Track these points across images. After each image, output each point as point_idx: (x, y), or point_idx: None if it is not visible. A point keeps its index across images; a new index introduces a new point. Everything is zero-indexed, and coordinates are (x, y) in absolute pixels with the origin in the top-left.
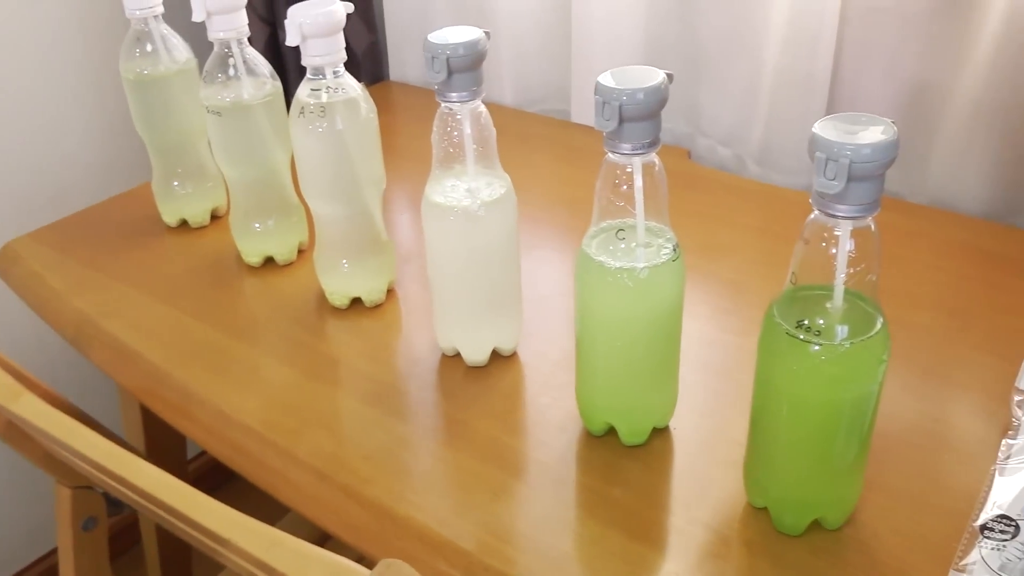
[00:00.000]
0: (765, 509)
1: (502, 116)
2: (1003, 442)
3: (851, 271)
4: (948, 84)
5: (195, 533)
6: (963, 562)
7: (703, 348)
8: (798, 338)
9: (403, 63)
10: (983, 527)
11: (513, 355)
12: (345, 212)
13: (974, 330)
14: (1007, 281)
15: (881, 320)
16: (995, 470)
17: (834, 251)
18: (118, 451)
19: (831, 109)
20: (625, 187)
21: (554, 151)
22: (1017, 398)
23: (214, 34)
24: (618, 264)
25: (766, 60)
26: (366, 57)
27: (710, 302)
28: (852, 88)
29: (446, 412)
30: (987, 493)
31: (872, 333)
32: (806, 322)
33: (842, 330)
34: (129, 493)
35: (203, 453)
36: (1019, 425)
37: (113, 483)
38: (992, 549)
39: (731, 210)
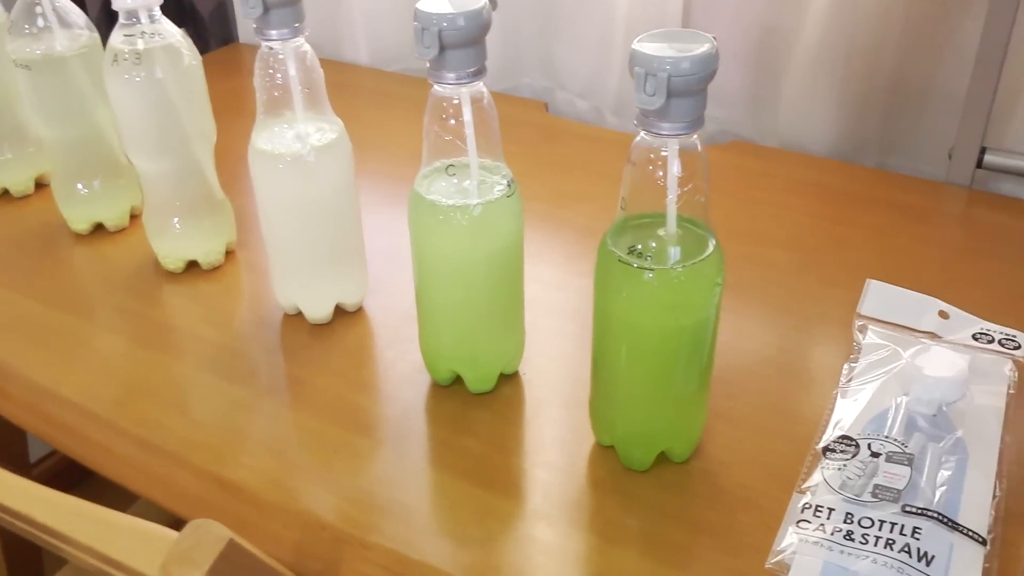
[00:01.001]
0: (612, 447)
1: (358, 75)
2: (845, 366)
3: (680, 191)
4: (793, 29)
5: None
6: (806, 484)
7: (553, 293)
8: (631, 265)
9: (251, 24)
10: (825, 449)
11: (359, 311)
12: (172, 168)
13: (820, 264)
14: (850, 215)
15: (713, 242)
16: (837, 393)
17: (662, 172)
18: None
19: None
20: (453, 121)
21: (408, 108)
22: (858, 323)
23: None
24: (450, 202)
25: (618, 9)
26: (213, 19)
27: (562, 248)
28: None
29: (287, 372)
30: (829, 416)
31: (704, 255)
32: (639, 247)
33: (674, 254)
34: None
35: (54, 451)
36: (860, 349)
37: None
38: (834, 470)
39: (588, 159)
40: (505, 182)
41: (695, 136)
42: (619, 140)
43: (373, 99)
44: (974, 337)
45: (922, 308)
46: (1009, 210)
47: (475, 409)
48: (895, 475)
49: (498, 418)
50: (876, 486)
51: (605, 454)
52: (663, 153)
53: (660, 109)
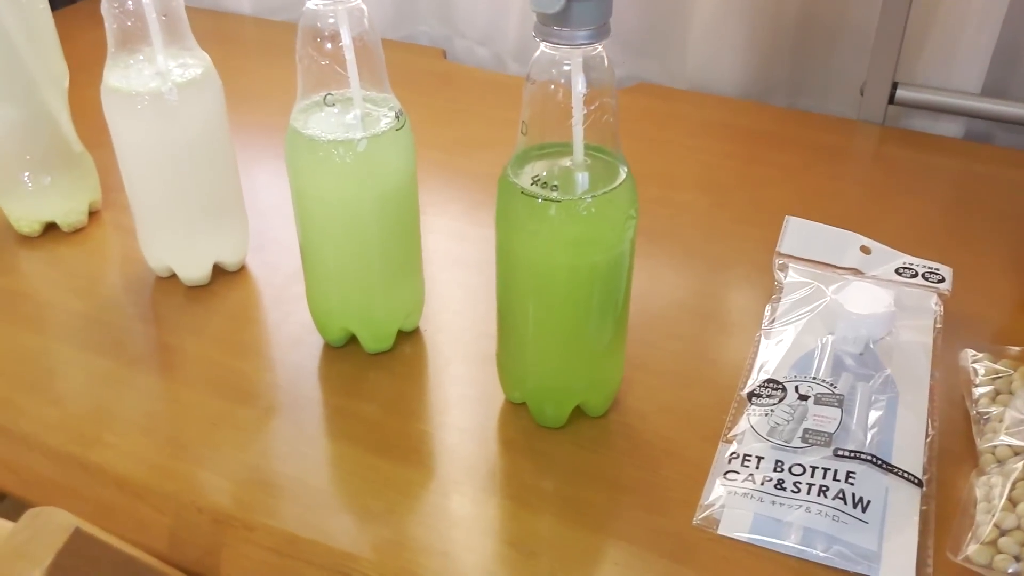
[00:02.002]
0: (524, 404)
1: (239, 25)
2: (767, 307)
3: (587, 111)
4: None
5: None
6: (732, 433)
7: (453, 243)
8: (535, 197)
9: None
10: (750, 394)
11: (241, 270)
12: (18, 117)
13: (734, 204)
14: (763, 155)
15: (625, 170)
16: (760, 336)
17: (565, 91)
18: None
19: None
20: (330, 45)
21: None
22: (778, 262)
23: None
24: (331, 137)
25: None
26: None
27: (462, 197)
28: None
29: (159, 340)
30: (753, 360)
31: (616, 184)
32: (543, 177)
33: (583, 183)
34: None
35: None
36: (781, 288)
37: None
38: (760, 416)
39: (488, 106)
40: (393, 114)
41: (600, 47)
42: (520, 85)
43: (256, 49)
44: (897, 272)
45: (843, 244)
46: (923, 145)
47: (372, 371)
48: (825, 418)
49: (398, 379)
50: (806, 430)
51: (516, 412)
52: (566, 67)
53: (560, 14)
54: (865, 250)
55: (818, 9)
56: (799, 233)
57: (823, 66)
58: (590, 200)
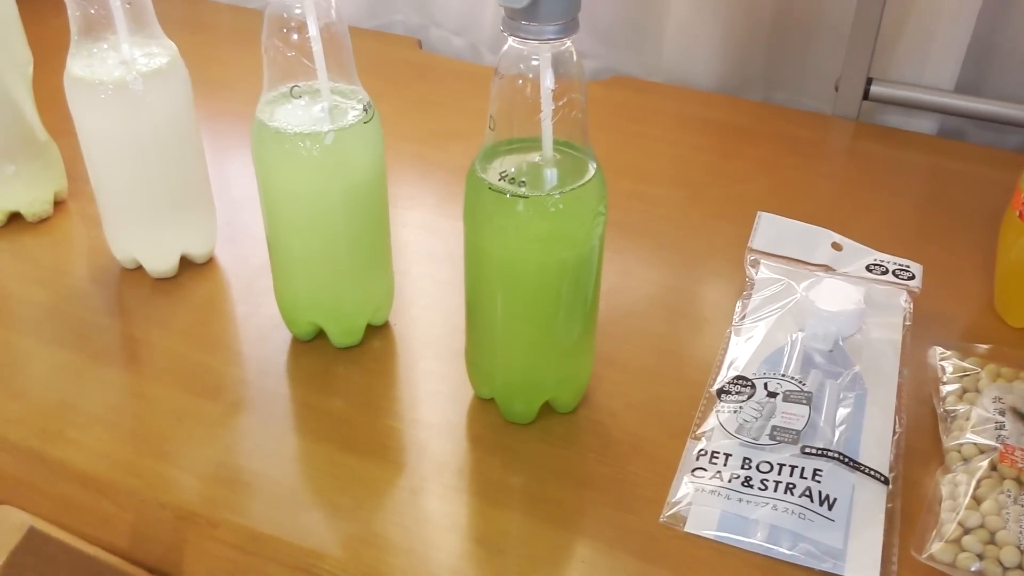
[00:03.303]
0: (492, 400)
1: (212, 12)
2: (738, 303)
3: (555, 106)
4: None
5: None
6: (700, 430)
7: (424, 237)
8: (503, 193)
9: None
10: (720, 391)
11: (209, 262)
12: None
13: (707, 199)
14: (738, 149)
15: (594, 166)
16: (730, 332)
17: (532, 86)
18: None
19: None
20: (296, 36)
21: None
22: (750, 257)
23: None
24: (298, 129)
25: None
26: None
27: (433, 190)
28: None
29: (125, 333)
30: (723, 356)
31: (584, 181)
32: (511, 172)
33: (551, 179)
34: None
35: None
36: (752, 284)
37: None
38: (729, 413)
39: (462, 97)
40: (361, 106)
41: (569, 43)
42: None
43: (230, 37)
44: (868, 268)
45: (815, 240)
46: (897, 141)
47: (340, 366)
48: (793, 415)
49: (366, 375)
50: (774, 428)
51: (485, 408)
52: (534, 63)
53: (528, 9)
54: (836, 247)
55: (793, 4)
56: (771, 229)
57: (798, 61)
58: (558, 196)
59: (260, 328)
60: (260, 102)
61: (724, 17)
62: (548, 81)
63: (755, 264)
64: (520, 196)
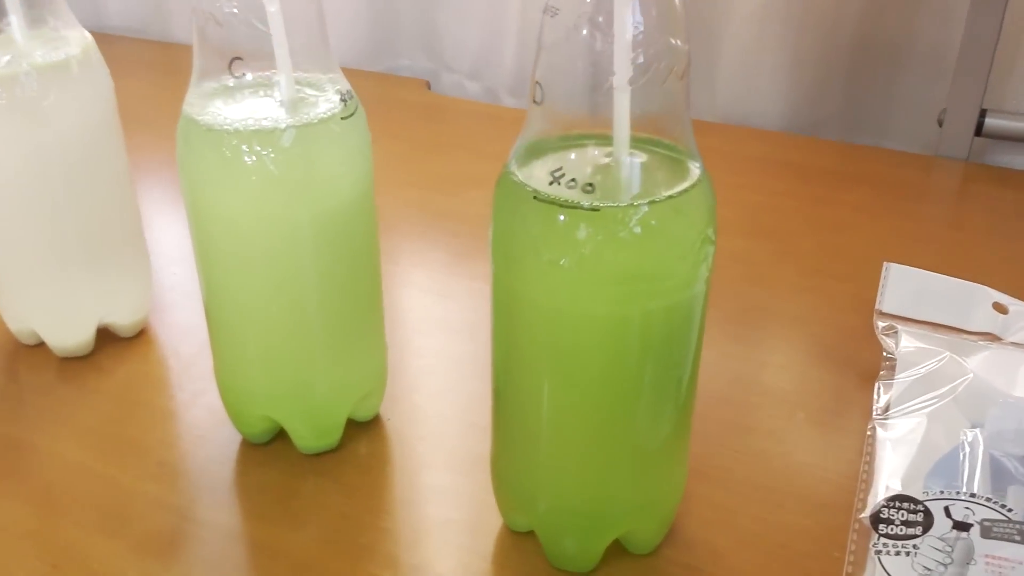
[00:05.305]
0: (532, 534)
1: None
2: (876, 387)
3: (636, 66)
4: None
5: None
6: None
7: (434, 301)
8: (558, 204)
9: None
10: (875, 518)
11: (139, 335)
12: None
13: (801, 252)
14: (828, 195)
15: (699, 168)
16: (873, 427)
17: (601, 20)
18: None
19: None
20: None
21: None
22: (881, 324)
23: None
24: (241, 126)
25: None
26: None
27: (447, 244)
28: None
29: (7, 437)
30: (869, 464)
31: (687, 186)
32: (570, 173)
33: (633, 180)
34: None
35: None
36: (895, 362)
37: None
38: (899, 554)
39: (479, 139)
40: (338, 96)
41: None
42: (518, 118)
43: None
44: None
45: (969, 299)
46: (1018, 182)
47: (309, 481)
48: (1005, 560)
49: (346, 496)
50: None
51: (521, 547)
52: None
53: None
54: (1000, 308)
55: (879, 27)
56: (905, 285)
57: (883, 94)
58: (647, 209)
59: (198, 426)
60: (188, 94)
61: (791, 46)
62: (630, 24)
63: (891, 333)
64: (585, 209)
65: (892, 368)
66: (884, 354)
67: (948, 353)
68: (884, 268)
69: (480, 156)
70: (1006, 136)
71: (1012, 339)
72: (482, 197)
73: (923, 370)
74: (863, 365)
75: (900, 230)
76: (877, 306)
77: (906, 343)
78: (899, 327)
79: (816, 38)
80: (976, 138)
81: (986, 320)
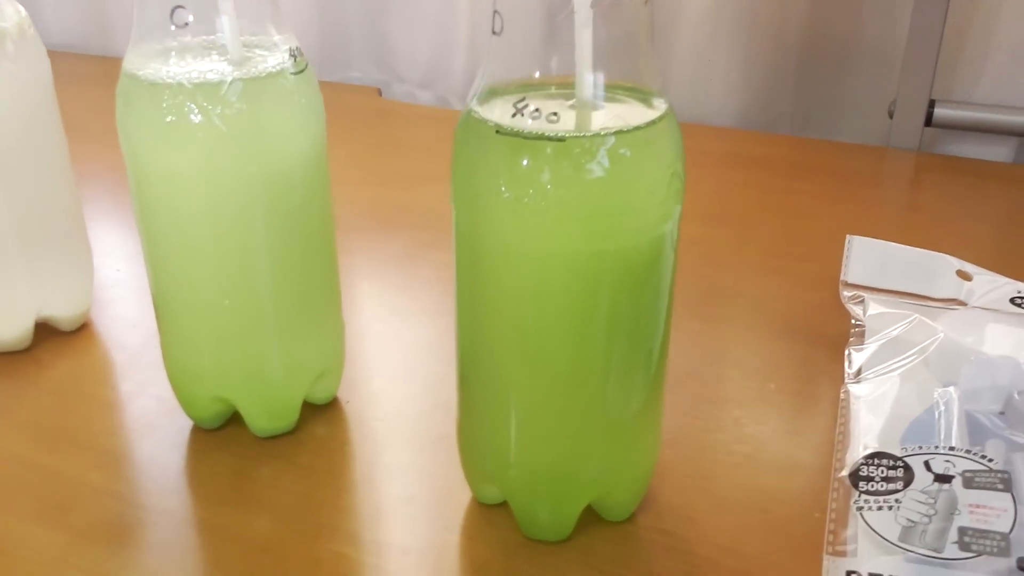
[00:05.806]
0: (504, 505)
1: None
2: (847, 352)
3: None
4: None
5: None
6: (841, 539)
7: (391, 289)
8: (521, 136)
9: None
10: (855, 476)
11: (81, 329)
12: None
13: (763, 237)
14: (787, 184)
15: (665, 104)
16: (846, 390)
17: None
18: None
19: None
20: None
21: None
22: (847, 294)
23: None
24: (183, 78)
25: None
26: None
27: (403, 236)
28: None
29: None
30: (845, 426)
31: (653, 119)
32: (527, 104)
33: (597, 112)
34: None
35: None
36: (864, 328)
37: None
38: (882, 509)
39: (432, 139)
40: (287, 52)
41: None
42: None
43: None
44: (1014, 302)
45: (933, 267)
46: (970, 171)
47: (264, 464)
48: (990, 509)
49: (303, 477)
50: (963, 530)
51: (491, 519)
52: None
53: None
54: (963, 275)
55: (827, 25)
56: (869, 256)
57: (834, 89)
58: (614, 140)
59: (145, 416)
60: (128, 54)
61: (742, 47)
62: None
63: (858, 301)
64: (551, 139)
65: (861, 334)
66: (852, 321)
67: (916, 316)
68: (847, 240)
69: (432, 154)
70: (955, 125)
71: (977, 304)
72: (437, 191)
73: (893, 333)
74: (832, 337)
75: (859, 214)
76: (843, 277)
77: (873, 309)
78: (867, 296)
79: (767, 38)
80: (926, 128)
81: (951, 287)
